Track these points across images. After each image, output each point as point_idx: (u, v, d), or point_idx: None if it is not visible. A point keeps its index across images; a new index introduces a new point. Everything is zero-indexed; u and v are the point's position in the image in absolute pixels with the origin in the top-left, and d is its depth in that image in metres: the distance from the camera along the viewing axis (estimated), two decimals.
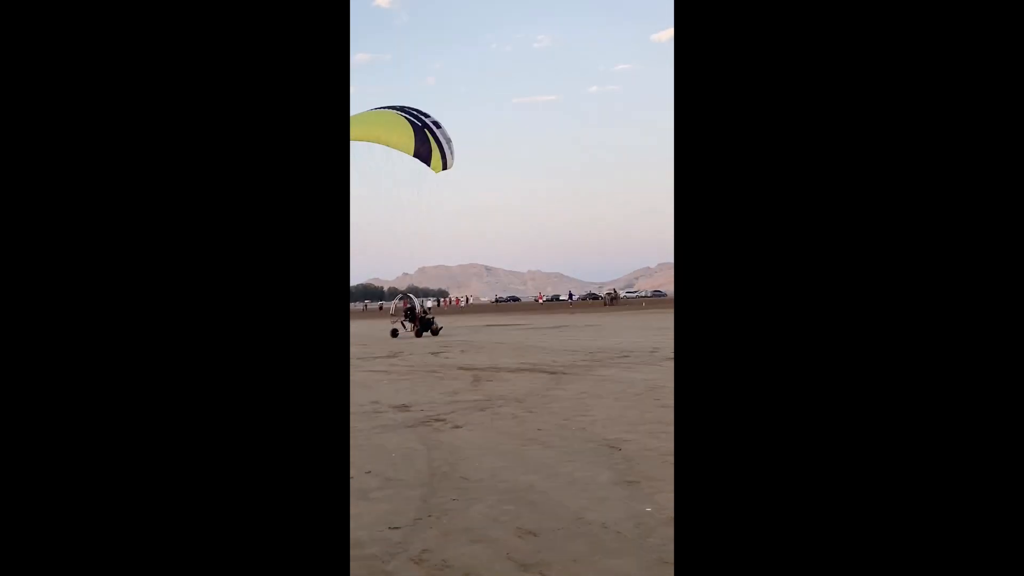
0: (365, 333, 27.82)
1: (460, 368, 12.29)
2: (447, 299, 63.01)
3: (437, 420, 6.97)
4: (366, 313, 67.09)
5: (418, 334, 23.36)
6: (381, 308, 62.81)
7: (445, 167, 16.44)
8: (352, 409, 8.04)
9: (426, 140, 15.74)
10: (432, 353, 15.71)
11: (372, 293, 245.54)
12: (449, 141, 16.09)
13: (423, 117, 15.94)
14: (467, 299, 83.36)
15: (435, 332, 23.68)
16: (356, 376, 11.72)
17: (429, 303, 50.32)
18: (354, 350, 17.91)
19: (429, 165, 15.99)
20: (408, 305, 25.25)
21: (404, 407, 7.96)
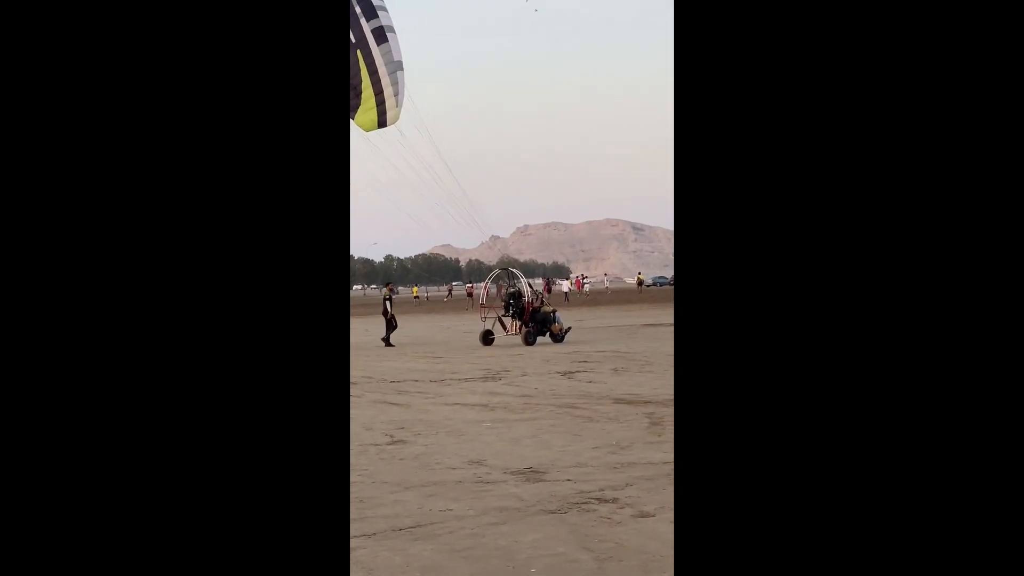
0: (436, 337, 27.31)
1: (620, 401, 11.29)
2: (548, 283, 60.58)
3: (602, 500, 6.41)
4: (433, 304, 68.01)
5: (528, 338, 21.99)
6: (470, 295, 60.76)
7: (384, 123, 14.88)
8: (437, 472, 7.44)
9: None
10: (562, 373, 15.19)
11: (440, 268, 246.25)
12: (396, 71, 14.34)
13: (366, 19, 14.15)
14: (603, 281, 79.40)
15: (558, 335, 22.32)
16: (434, 413, 11.15)
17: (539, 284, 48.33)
18: (424, 365, 17.67)
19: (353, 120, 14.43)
20: (510, 290, 23.76)
21: (533, 473, 7.36)
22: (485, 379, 14.41)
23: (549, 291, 64.19)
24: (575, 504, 6.16)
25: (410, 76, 15.39)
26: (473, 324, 24.61)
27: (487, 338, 22.35)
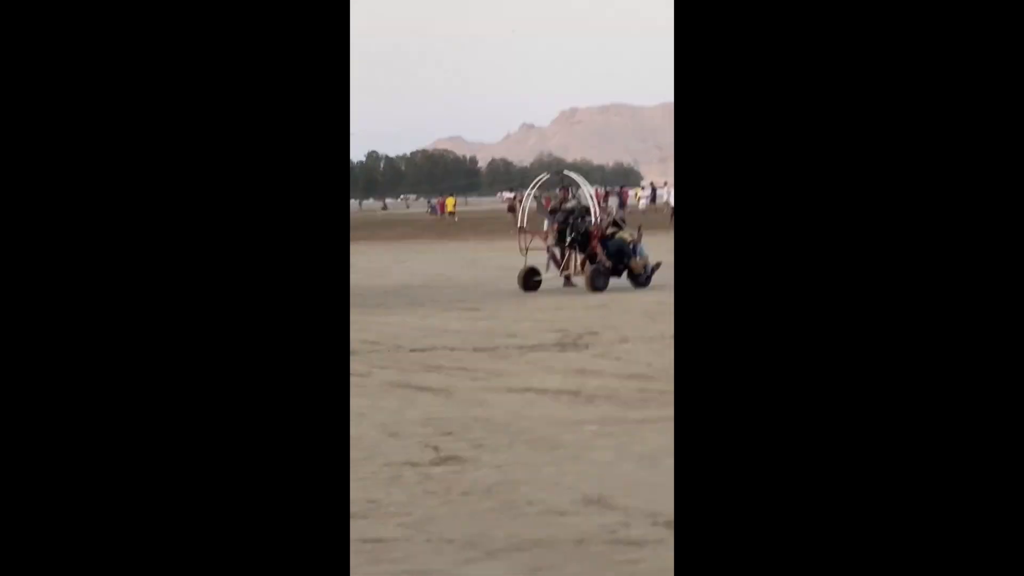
0: (462, 276, 27.37)
1: None
2: (620, 193, 62.07)
3: None
4: (446, 225, 67.47)
5: (597, 280, 21.60)
6: (511, 209, 60.47)
7: None
8: (534, 521, 6.73)
9: None
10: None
11: (448, 170, 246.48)
12: None
13: None
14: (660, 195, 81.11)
15: (642, 275, 22.08)
16: (497, 406, 10.43)
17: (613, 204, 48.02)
18: (459, 323, 17.19)
19: None
20: (567, 205, 23.24)
21: None
22: (562, 347, 13.86)
23: (624, 205, 64.66)
24: None
25: None
26: (513, 255, 23.97)
27: (530, 279, 21.97)
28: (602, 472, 7.54)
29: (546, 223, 23.61)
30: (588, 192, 23.65)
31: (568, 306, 18.85)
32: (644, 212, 62.27)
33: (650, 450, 8.10)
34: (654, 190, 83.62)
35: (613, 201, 52.84)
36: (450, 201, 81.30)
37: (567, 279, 22.16)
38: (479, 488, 7.22)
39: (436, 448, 8.32)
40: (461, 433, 8.86)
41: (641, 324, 15.87)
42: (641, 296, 20.29)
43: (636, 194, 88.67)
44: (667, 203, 67.98)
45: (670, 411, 9.56)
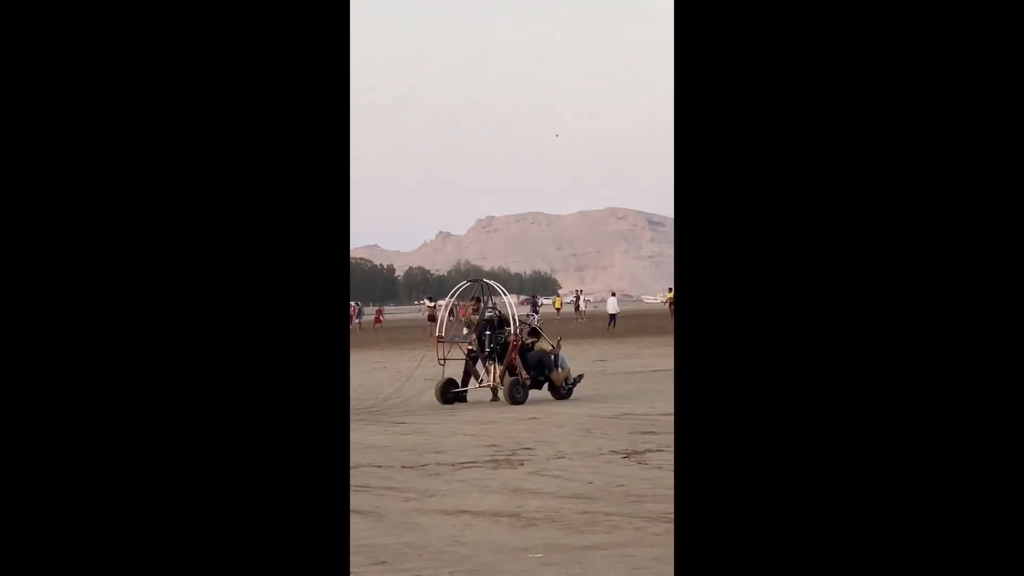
0: (383, 387, 27.56)
1: None
2: (533, 301, 65.11)
3: None
4: (362, 335, 66.19)
5: (516, 393, 21.18)
6: (431, 318, 60.90)
7: None
8: None
9: None
10: (621, 453, 14.46)
11: (365, 280, 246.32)
12: None
13: None
14: (579, 302, 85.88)
15: (563, 388, 21.77)
16: (431, 531, 9.96)
17: (528, 311, 48.07)
18: (386, 438, 16.86)
19: None
20: (486, 314, 22.91)
21: None
22: (495, 463, 13.35)
23: (536, 311, 65.40)
24: None
25: None
26: (432, 366, 23.69)
27: (449, 392, 21.62)
28: None
29: (442, 328, 23.24)
30: (507, 301, 23.37)
31: (496, 419, 18.43)
32: (562, 320, 62.63)
33: None
34: (576, 298, 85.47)
35: (524, 309, 53.39)
36: (378, 316, 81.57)
37: (494, 391, 21.71)
38: None
39: None
40: (395, 562, 8.23)
41: (575, 438, 15.45)
42: (571, 408, 19.92)
43: (556, 302, 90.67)
44: (583, 312, 70.26)
45: (619, 536, 9.08)
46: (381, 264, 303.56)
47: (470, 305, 23.63)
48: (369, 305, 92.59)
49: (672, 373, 18.09)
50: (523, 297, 79.12)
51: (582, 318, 74.56)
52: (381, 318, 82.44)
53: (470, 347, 22.18)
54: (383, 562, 8.19)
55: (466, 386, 21.83)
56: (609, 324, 59.45)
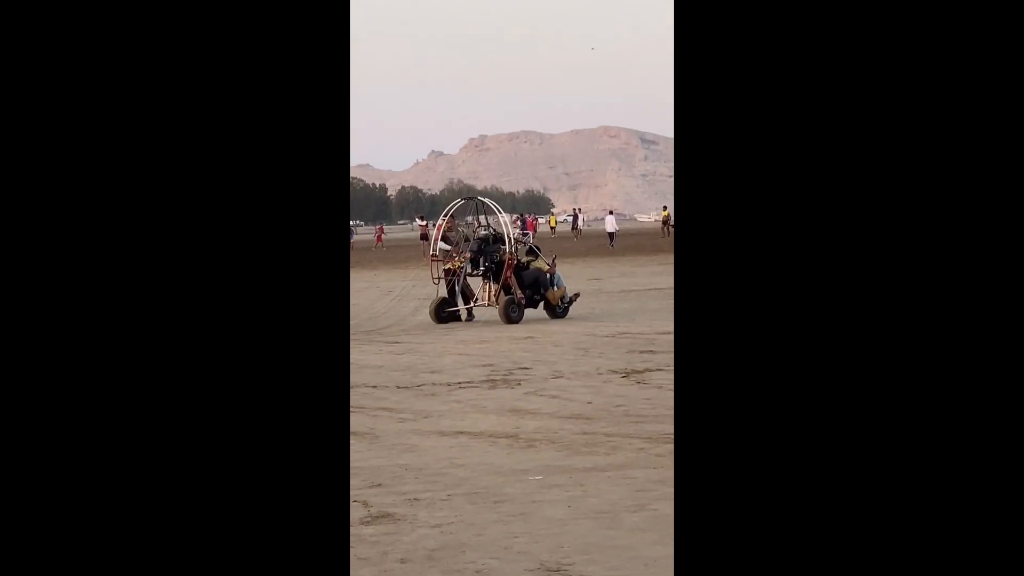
0: (377, 307, 27.30)
1: None
2: (527, 220, 66.09)
3: None
4: (358, 253, 66.36)
5: (511, 312, 21.12)
6: (423, 237, 61.26)
7: None
8: None
9: None
10: (621, 372, 14.28)
11: (358, 200, 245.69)
12: None
13: None
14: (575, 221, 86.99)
15: (560, 307, 21.68)
16: (429, 452, 9.80)
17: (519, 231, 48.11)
18: (380, 357, 16.71)
19: None
20: (480, 233, 22.90)
21: None
22: (492, 383, 13.25)
23: (533, 230, 65.33)
24: None
25: None
26: (427, 285, 23.76)
27: (443, 311, 21.53)
28: (557, 532, 6.76)
29: (436, 246, 23.00)
30: (503, 219, 23.19)
31: (492, 338, 18.34)
32: (558, 238, 62.84)
33: (606, 505, 7.37)
34: (575, 216, 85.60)
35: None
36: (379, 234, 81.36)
37: (469, 312, 21.69)
38: (419, 553, 6.39)
39: (366, 504, 7.50)
40: (392, 485, 8.06)
41: (573, 358, 15.36)
42: (567, 327, 19.81)
43: (551, 220, 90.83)
44: (580, 230, 70.53)
45: (619, 458, 8.78)
46: (374, 183, 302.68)
47: (464, 225, 23.54)
48: (363, 224, 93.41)
49: (671, 292, 17.96)
50: (513, 216, 79.43)
51: (579, 236, 74.67)
52: (382, 236, 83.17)
53: (450, 265, 22.01)
54: (379, 484, 8.03)
55: (455, 305, 21.72)
56: (609, 243, 59.53)
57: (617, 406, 11.20)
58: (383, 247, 75.06)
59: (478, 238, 22.30)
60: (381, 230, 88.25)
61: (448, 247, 22.36)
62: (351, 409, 11.28)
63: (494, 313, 21.37)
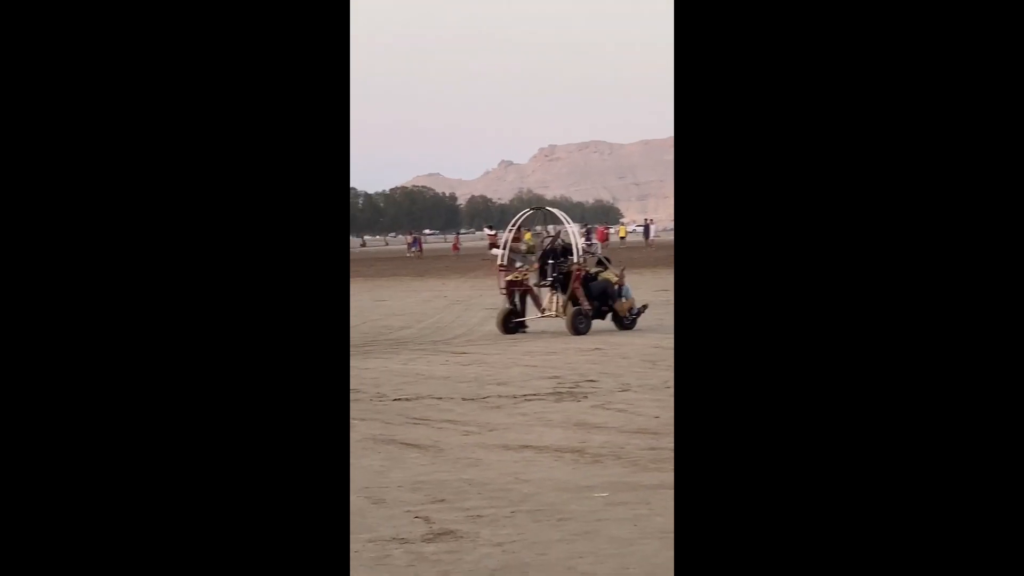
0: (445, 317, 27.05)
1: None
2: (599, 231, 66.93)
3: None
4: (428, 262, 65.81)
5: (579, 323, 20.99)
6: (492, 246, 61.57)
7: None
8: None
9: None
10: None
11: (427, 207, 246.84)
12: None
13: None
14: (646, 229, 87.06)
15: (627, 319, 21.50)
16: (492, 467, 9.66)
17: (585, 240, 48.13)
18: (445, 368, 16.58)
19: None
20: (548, 244, 22.74)
21: None
22: (558, 396, 13.04)
23: (605, 240, 65.08)
24: None
25: None
26: (495, 295, 23.63)
27: (510, 321, 21.48)
28: (622, 553, 6.60)
29: (503, 257, 22.93)
30: (571, 230, 22.95)
31: (560, 350, 18.16)
32: (628, 248, 62.62)
33: (672, 525, 7.15)
34: (647, 226, 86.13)
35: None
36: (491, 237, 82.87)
37: (521, 323, 21.61)
38: (480, 574, 6.27)
39: (428, 520, 7.37)
40: (455, 500, 7.92)
41: (641, 371, 15.13)
42: (637, 339, 19.60)
43: (620, 231, 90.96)
44: (653, 240, 70.69)
45: None
46: (443, 192, 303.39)
47: (532, 234, 23.47)
48: (433, 234, 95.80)
49: None
50: (581, 227, 79.74)
51: (651, 246, 74.33)
52: (458, 245, 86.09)
53: (515, 276, 21.93)
54: (442, 500, 7.89)
55: (522, 316, 21.63)
56: None
57: None
58: (458, 254, 75.55)
59: (545, 248, 22.17)
60: (457, 239, 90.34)
61: (516, 257, 22.28)
62: (415, 422, 11.26)
63: (561, 324, 21.16)
